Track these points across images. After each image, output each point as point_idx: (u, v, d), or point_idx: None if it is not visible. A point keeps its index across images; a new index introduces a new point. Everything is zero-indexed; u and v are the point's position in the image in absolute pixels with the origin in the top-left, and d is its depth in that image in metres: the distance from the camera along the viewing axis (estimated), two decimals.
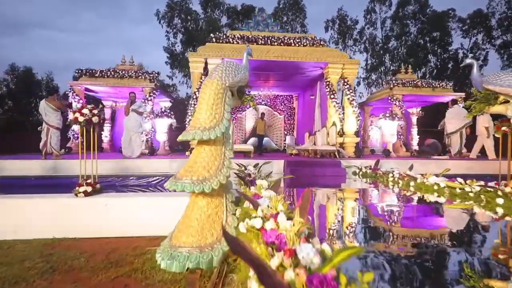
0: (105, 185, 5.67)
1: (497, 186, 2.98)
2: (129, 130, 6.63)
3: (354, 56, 32.25)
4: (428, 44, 30.23)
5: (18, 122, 25.57)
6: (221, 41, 8.90)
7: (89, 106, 3.21)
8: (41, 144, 6.30)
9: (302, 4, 30.17)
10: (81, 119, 3.10)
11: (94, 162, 3.42)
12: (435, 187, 3.73)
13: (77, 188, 3.07)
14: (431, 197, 3.83)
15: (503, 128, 3.65)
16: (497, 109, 3.33)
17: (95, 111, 3.18)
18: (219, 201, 2.58)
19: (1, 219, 2.90)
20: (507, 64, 27.81)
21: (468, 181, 3.41)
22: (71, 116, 3.15)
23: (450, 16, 29.03)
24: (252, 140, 13.18)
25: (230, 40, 8.89)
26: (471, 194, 3.13)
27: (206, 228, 2.43)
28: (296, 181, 5.82)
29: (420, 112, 11.58)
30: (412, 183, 4.20)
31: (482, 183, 3.22)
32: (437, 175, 4.03)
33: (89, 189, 3.09)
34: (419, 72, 30.79)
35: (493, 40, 28.50)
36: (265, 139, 13.30)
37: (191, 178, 2.40)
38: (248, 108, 13.88)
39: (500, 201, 2.74)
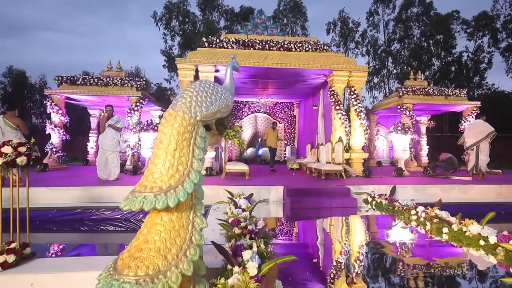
0: (71, 218, 4.81)
1: None
2: (105, 150, 5.74)
3: (356, 59, 31.45)
4: (432, 47, 29.49)
5: None
6: (214, 45, 8.02)
7: (14, 142, 2.33)
8: None
9: (303, 7, 29.45)
10: None
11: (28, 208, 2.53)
12: (482, 242, 2.85)
13: None
14: (473, 252, 2.96)
15: None
16: None
17: (22, 149, 2.30)
18: None
19: None
20: None
21: None
22: None
23: (454, 18, 28.29)
24: (250, 151, 12.32)
25: (224, 44, 8.01)
26: None
27: None
28: (298, 212, 4.94)
29: (431, 122, 10.70)
30: (445, 230, 3.30)
31: None
32: (478, 221, 3.14)
33: (11, 258, 2.21)
34: (422, 75, 29.94)
35: (497, 43, 27.79)
36: (264, 149, 12.43)
37: (135, 273, 1.51)
38: (245, 116, 13.02)
39: None
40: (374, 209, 4.93)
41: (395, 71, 31.07)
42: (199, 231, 1.77)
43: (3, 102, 28.18)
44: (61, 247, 3.87)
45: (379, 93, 31.70)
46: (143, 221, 4.75)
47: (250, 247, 2.28)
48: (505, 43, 27.29)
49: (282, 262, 2.43)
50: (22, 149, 2.31)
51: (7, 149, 2.24)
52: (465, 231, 3.07)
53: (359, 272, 2.68)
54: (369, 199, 5.11)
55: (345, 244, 3.57)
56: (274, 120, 11.94)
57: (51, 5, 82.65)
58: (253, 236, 2.60)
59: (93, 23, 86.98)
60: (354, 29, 30.57)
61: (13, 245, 2.30)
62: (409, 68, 29.06)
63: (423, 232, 3.72)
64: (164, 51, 28.56)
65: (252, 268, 1.79)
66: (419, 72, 11.35)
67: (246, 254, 2.03)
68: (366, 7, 30.56)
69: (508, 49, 27.12)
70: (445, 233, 3.29)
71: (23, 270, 2.23)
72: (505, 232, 2.78)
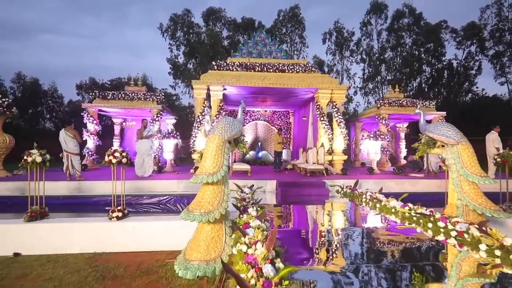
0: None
1: (431, 213, 3.91)
2: (142, 153, 7.60)
3: (351, 66, 33.43)
4: (423, 55, 31.39)
5: (25, 130, 26.56)
6: (222, 68, 9.88)
7: (119, 149, 4.16)
8: (64, 168, 7.27)
9: (301, 17, 31.35)
10: (114, 160, 4.04)
11: (123, 188, 4.34)
12: (393, 210, 4.66)
13: (110, 213, 4.00)
14: (391, 218, 4.77)
15: None
16: (436, 151, 4.26)
17: (124, 153, 4.13)
18: (220, 227, 3.53)
19: (53, 238, 3.83)
20: (499, 74, 28.91)
21: (415, 206, 4.33)
22: (106, 158, 4.09)
23: (443, 27, 30.17)
24: (251, 153, 14.14)
25: (230, 67, 9.87)
26: (414, 218, 4.05)
27: (211, 247, 3.38)
28: (287, 199, 6.77)
29: (407, 129, 12.50)
30: (378, 205, 5.12)
31: (424, 209, 4.15)
32: (397, 199, 4.95)
33: (120, 214, 4.02)
34: (414, 82, 31.97)
35: (485, 51, 29.61)
36: (263, 152, 14.26)
37: (199, 211, 3.35)
38: (247, 123, 14.86)
39: (429, 225, 3.66)
40: (342, 197, 6.75)
41: (388, 78, 32.87)
42: (227, 194, 3.58)
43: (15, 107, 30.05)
44: None
45: (374, 98, 33.50)
46: (175, 205, 6.76)
47: (253, 208, 4.10)
48: (492, 51, 29.20)
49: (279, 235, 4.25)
50: (124, 153, 4.14)
51: (117, 154, 4.07)
52: (387, 205, 4.88)
53: (322, 234, 4.49)
54: (339, 190, 6.92)
55: (313, 216, 5.40)
56: (280, 127, 13.68)
57: (51, 7, 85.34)
58: (254, 204, 4.42)
59: (94, 25, 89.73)
60: (349, 38, 32.51)
61: (119, 207, 4.12)
62: (402, 75, 31.09)
63: (368, 209, 5.54)
64: (170, 59, 30.47)
65: (254, 213, 3.61)
66: (397, 86, 13.13)
67: (250, 209, 3.85)
68: (360, 18, 32.56)
69: (496, 56, 29.00)
70: (377, 207, 5.10)
71: (127, 220, 4.05)
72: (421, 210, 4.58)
